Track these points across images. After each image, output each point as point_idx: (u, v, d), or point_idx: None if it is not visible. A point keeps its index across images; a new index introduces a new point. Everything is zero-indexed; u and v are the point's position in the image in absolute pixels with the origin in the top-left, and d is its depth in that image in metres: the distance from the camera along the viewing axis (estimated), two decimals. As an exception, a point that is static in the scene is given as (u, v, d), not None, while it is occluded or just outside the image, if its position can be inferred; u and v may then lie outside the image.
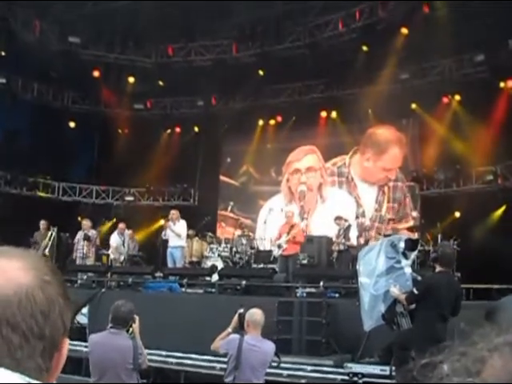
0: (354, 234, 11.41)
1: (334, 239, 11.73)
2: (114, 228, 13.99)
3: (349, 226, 11.57)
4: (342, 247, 11.31)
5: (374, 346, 7.29)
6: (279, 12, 14.26)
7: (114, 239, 12.99)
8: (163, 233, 12.49)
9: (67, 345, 0.87)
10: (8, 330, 0.79)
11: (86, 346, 6.71)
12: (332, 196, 16.18)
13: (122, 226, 13.19)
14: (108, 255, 13.12)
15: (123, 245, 12.79)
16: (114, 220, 14.88)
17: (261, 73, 15.10)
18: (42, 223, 13.06)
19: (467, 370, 0.68)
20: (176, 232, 12.10)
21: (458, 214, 13.49)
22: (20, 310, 0.80)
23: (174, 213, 12.41)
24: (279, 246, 11.46)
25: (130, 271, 12.11)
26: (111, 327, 4.77)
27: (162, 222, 14.75)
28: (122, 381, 4.63)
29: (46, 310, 0.83)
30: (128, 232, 13.18)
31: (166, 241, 12.26)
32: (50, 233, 12.80)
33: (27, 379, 0.79)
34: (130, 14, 13.56)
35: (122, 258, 12.79)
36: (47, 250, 12.48)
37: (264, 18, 14.55)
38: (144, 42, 15.67)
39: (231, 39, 15.23)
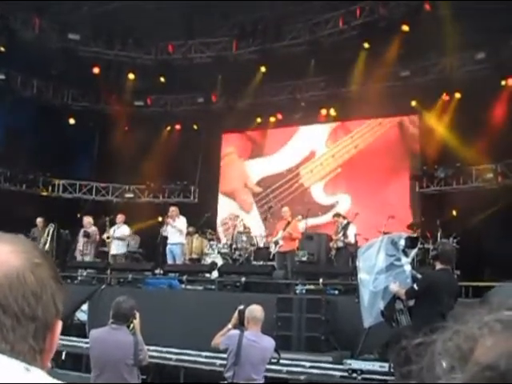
0: (352, 231, 11.40)
1: (332, 236, 11.74)
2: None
3: (347, 224, 11.57)
4: (340, 244, 11.31)
5: (373, 343, 7.31)
6: (279, 10, 14.22)
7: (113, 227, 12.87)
8: (162, 228, 12.46)
9: (60, 326, 0.88)
10: (0, 312, 0.80)
11: (85, 343, 6.73)
12: (331, 192, 16.19)
13: (120, 216, 12.96)
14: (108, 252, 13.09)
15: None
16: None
17: (262, 70, 15.08)
18: (39, 220, 13.11)
19: (459, 348, 0.69)
20: (177, 228, 12.08)
21: (457, 212, 13.50)
22: (11, 291, 0.81)
23: (173, 209, 12.39)
24: (276, 243, 11.47)
25: (129, 268, 12.13)
26: (112, 323, 4.78)
27: (160, 219, 14.72)
28: (123, 377, 4.63)
29: (37, 291, 0.83)
30: (126, 227, 12.99)
31: (166, 237, 12.23)
32: (47, 229, 12.83)
33: (24, 365, 0.79)
34: (130, 11, 13.53)
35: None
36: (47, 246, 12.51)
37: (264, 15, 14.52)
38: (144, 39, 15.62)
39: (232, 36, 15.19)
